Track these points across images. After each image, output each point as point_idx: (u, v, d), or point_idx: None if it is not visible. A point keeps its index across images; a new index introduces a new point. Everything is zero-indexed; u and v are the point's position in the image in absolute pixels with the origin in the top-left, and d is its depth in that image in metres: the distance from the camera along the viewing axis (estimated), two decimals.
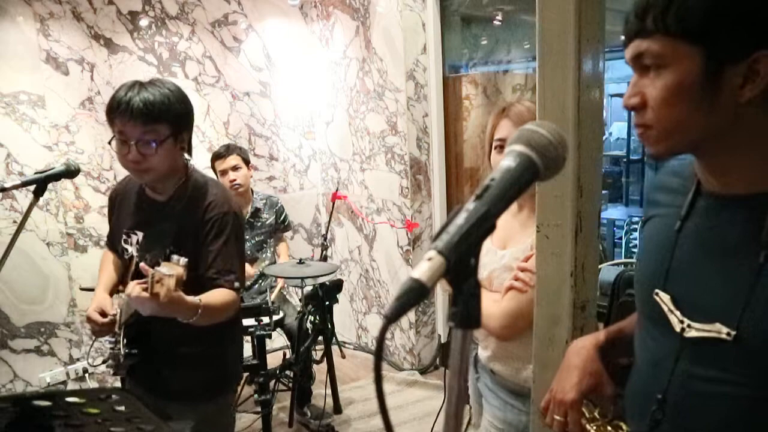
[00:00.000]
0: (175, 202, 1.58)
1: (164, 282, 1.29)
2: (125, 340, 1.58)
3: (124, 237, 1.66)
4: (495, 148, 1.48)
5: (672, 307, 0.82)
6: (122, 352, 1.58)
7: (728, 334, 0.74)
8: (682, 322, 0.80)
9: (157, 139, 1.45)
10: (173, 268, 1.33)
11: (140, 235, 1.63)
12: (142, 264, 1.40)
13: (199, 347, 1.60)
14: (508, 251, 1.44)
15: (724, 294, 0.77)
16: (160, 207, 1.60)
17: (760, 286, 0.73)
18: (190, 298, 1.39)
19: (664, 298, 0.84)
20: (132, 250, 1.64)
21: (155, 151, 1.46)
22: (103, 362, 1.78)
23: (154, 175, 1.52)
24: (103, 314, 1.60)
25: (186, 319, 1.42)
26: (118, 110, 1.43)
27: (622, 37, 0.82)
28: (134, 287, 1.33)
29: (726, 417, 0.77)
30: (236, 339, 1.78)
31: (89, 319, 1.60)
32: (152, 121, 1.43)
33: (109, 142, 1.52)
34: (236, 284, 1.57)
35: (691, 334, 0.79)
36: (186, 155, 1.60)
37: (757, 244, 0.74)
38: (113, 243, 1.73)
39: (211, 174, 3.16)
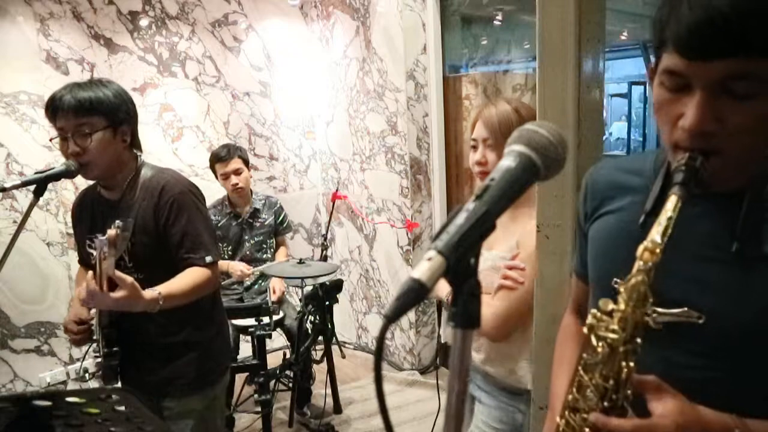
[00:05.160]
0: (128, 197, 1.62)
1: (106, 253, 1.32)
2: (104, 342, 1.60)
3: (88, 243, 1.68)
4: (471, 147, 1.50)
5: None
6: (102, 353, 1.60)
7: (698, 317, 0.75)
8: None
9: (91, 131, 1.51)
10: (106, 236, 1.35)
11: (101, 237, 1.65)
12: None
13: (180, 336, 1.65)
14: (493, 253, 1.45)
15: (693, 282, 0.78)
16: (115, 205, 1.64)
17: (732, 273, 0.75)
18: (147, 293, 1.43)
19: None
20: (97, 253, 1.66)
21: (91, 141, 1.51)
22: (92, 374, 1.79)
23: (98, 170, 1.57)
24: (81, 323, 1.63)
25: (151, 310, 1.46)
26: (52, 107, 1.51)
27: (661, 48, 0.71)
28: (80, 289, 1.38)
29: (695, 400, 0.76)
30: (216, 321, 1.78)
31: (67, 329, 1.63)
32: (84, 112, 1.50)
33: (51, 140, 1.59)
34: (208, 258, 1.61)
35: (658, 320, 0.77)
36: (136, 151, 1.67)
37: (730, 235, 0.75)
38: (82, 255, 1.77)
39: (208, 175, 3.18)
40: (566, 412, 0.79)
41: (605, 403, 0.73)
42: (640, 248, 0.69)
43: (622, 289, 0.71)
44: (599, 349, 0.73)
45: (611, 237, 0.91)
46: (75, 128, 1.51)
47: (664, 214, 0.69)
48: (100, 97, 1.53)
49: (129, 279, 1.37)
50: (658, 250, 0.68)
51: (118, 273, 1.35)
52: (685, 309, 0.76)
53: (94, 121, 1.52)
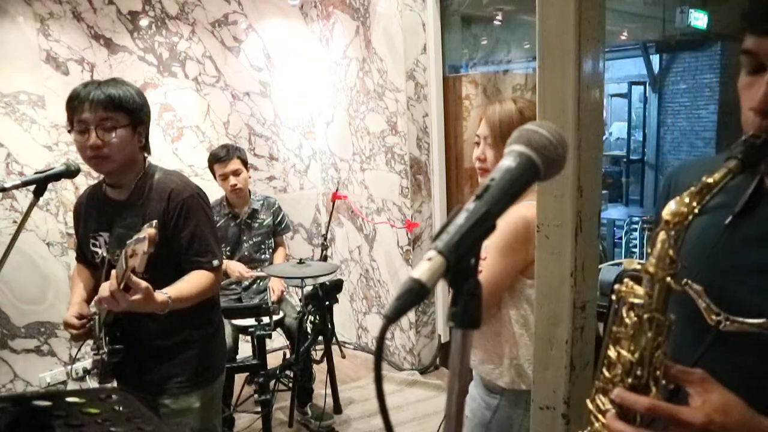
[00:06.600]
0: (136, 197, 1.63)
1: (137, 250, 1.31)
2: (107, 338, 1.61)
3: (92, 241, 1.70)
4: (474, 143, 1.53)
5: (705, 298, 0.77)
6: (105, 350, 1.60)
7: None
8: (718, 314, 0.75)
9: (116, 125, 1.54)
10: (142, 233, 1.34)
11: (106, 235, 1.67)
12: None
13: (180, 336, 1.67)
14: None
15: None
16: (122, 204, 1.65)
17: None
18: (159, 295, 1.45)
19: (695, 288, 0.78)
20: (102, 251, 1.68)
21: (114, 136, 1.54)
22: (86, 373, 1.79)
23: (112, 165, 1.58)
24: (81, 319, 1.63)
25: (159, 311, 1.47)
26: (79, 99, 1.52)
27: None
28: (103, 287, 1.38)
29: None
30: (214, 321, 1.80)
31: (67, 325, 1.63)
32: (112, 108, 1.53)
33: (69, 131, 1.58)
34: (215, 262, 1.66)
35: (729, 328, 0.73)
36: (146, 153, 1.69)
37: None
38: (83, 253, 1.78)
39: (203, 173, 3.18)
40: (596, 395, 0.75)
41: (630, 380, 0.70)
42: (667, 209, 0.68)
43: (650, 251, 0.69)
44: (627, 320, 0.71)
45: (694, 237, 0.86)
46: (99, 121, 1.52)
47: (704, 179, 0.68)
48: (127, 95, 1.56)
49: (143, 283, 1.38)
50: (685, 210, 0.67)
51: (133, 278, 1.35)
52: (765, 320, 0.72)
53: (119, 117, 1.54)
